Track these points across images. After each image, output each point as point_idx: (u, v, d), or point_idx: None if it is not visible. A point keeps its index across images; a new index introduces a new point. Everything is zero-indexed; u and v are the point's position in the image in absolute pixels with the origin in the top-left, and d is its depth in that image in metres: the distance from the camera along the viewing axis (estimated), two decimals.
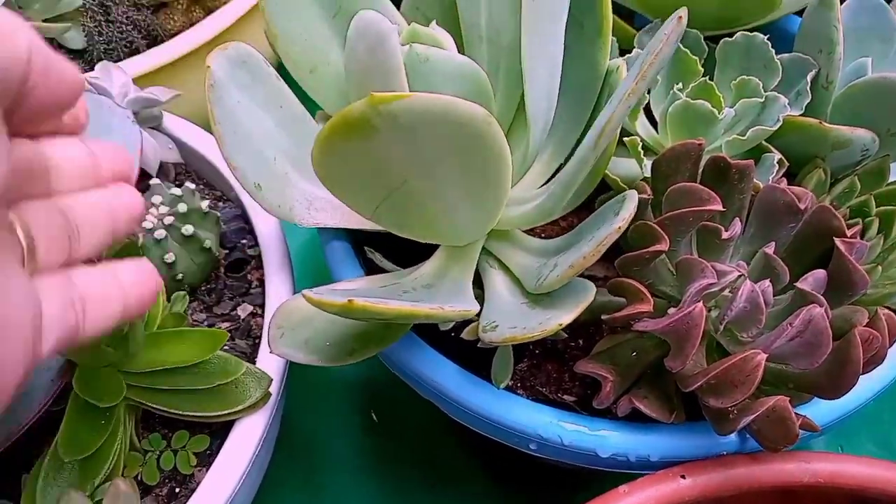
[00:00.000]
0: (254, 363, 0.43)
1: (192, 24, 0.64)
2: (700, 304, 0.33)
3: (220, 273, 0.50)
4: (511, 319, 0.36)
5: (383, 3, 0.42)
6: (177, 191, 0.46)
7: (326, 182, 0.33)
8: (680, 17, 0.31)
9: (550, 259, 0.38)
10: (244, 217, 0.52)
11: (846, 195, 0.43)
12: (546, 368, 0.43)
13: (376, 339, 0.38)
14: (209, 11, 0.65)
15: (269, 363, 0.43)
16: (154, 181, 0.47)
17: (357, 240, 0.45)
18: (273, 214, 0.40)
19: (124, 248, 0.38)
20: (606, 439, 0.38)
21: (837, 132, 0.43)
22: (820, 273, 0.35)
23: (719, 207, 0.35)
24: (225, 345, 0.43)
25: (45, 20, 0.60)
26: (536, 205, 0.39)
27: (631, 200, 0.34)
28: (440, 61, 0.35)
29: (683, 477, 0.37)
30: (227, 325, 0.47)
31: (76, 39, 0.61)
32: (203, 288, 0.49)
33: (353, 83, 0.36)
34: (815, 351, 0.33)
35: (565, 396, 0.42)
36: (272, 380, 0.42)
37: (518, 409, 0.39)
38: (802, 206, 0.37)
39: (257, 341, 0.46)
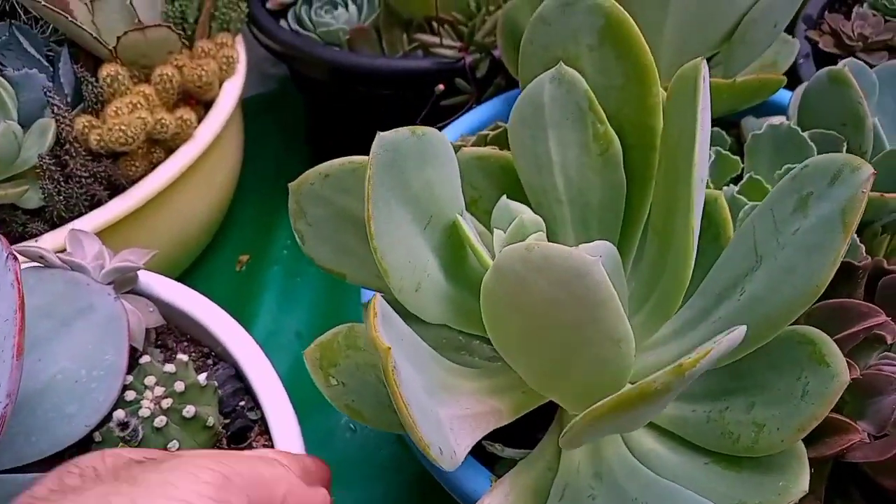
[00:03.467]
0: None
1: (154, 167, 0.60)
2: None
3: (224, 445, 0.45)
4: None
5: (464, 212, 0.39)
6: (170, 367, 0.43)
7: None
8: None
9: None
10: (238, 375, 0.48)
11: None
12: None
13: None
14: (170, 151, 0.61)
15: None
16: (144, 359, 0.43)
17: None
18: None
19: None
20: None
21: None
22: None
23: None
24: None
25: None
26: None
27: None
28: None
29: None
30: None
31: (33, 199, 0.56)
32: None
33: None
34: None
35: None
36: None
37: None
38: None
39: None
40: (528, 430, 0.40)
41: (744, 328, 0.27)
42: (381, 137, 0.33)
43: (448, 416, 0.36)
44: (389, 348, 0.28)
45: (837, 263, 0.29)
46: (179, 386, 0.42)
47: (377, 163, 0.33)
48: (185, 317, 0.49)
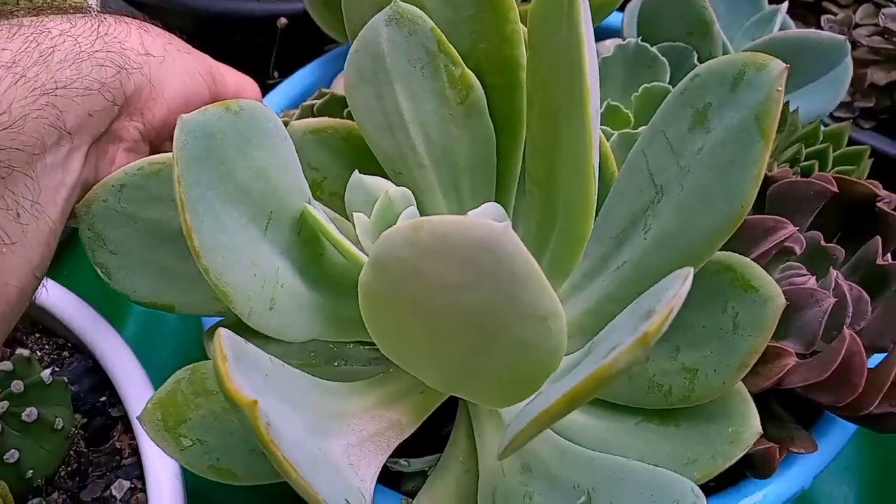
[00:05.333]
0: None
1: None
2: (853, 335, 0.30)
3: (81, 447, 0.42)
4: None
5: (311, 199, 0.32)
6: (6, 365, 0.39)
7: None
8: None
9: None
10: (96, 369, 0.44)
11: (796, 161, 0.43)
12: None
13: None
14: None
15: None
16: None
17: None
18: None
19: None
20: None
21: None
22: (877, 241, 0.33)
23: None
24: None
25: None
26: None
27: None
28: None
29: None
30: None
31: None
32: (62, 473, 0.41)
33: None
34: None
35: None
36: None
37: None
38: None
39: None
40: (428, 427, 0.35)
41: (690, 270, 0.22)
42: (185, 122, 0.25)
43: (343, 450, 0.30)
44: (255, 401, 0.21)
45: (761, 177, 0.26)
46: (17, 386, 0.38)
47: (185, 157, 0.25)
48: (34, 305, 0.43)
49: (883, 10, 0.52)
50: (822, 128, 0.43)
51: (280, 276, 0.29)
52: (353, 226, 0.31)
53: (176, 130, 0.25)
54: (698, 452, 0.29)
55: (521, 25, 0.32)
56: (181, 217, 0.25)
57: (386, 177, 0.34)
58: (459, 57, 0.32)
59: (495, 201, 0.35)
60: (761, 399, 0.32)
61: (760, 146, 0.25)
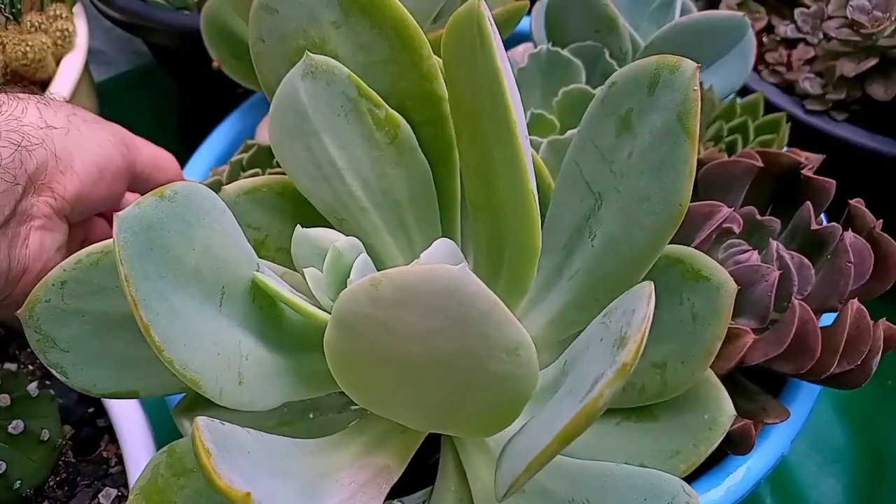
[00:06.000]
0: None
1: None
2: (802, 304, 0.31)
3: (70, 458, 0.43)
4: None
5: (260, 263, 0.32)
6: None
7: None
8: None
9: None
10: None
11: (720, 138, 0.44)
12: None
13: None
14: None
15: None
16: None
17: None
18: None
19: None
20: None
21: None
22: (808, 207, 0.35)
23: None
24: None
25: None
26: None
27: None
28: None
29: None
30: None
31: None
32: (51, 482, 0.42)
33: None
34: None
35: None
36: None
37: None
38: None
39: None
40: (412, 461, 0.35)
41: (651, 286, 0.23)
42: (122, 219, 0.25)
43: None
44: (248, 493, 0.20)
45: (693, 174, 0.27)
46: (4, 399, 0.39)
47: (129, 254, 0.25)
48: None
49: (851, 3, 0.53)
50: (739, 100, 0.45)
51: (243, 349, 0.29)
52: (305, 280, 0.31)
53: (115, 228, 0.24)
54: (680, 443, 0.30)
55: (437, 58, 0.32)
56: (136, 315, 0.24)
57: (329, 225, 0.33)
58: (381, 99, 0.32)
59: (442, 232, 0.35)
60: (728, 377, 0.33)
61: (687, 145, 0.26)
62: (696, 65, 0.26)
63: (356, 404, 0.37)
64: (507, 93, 0.25)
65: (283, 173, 0.35)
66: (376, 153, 0.33)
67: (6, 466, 0.38)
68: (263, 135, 0.50)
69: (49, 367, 0.32)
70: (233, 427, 0.26)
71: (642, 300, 0.22)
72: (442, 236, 0.33)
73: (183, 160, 0.43)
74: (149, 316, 0.24)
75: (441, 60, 0.31)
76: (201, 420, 0.23)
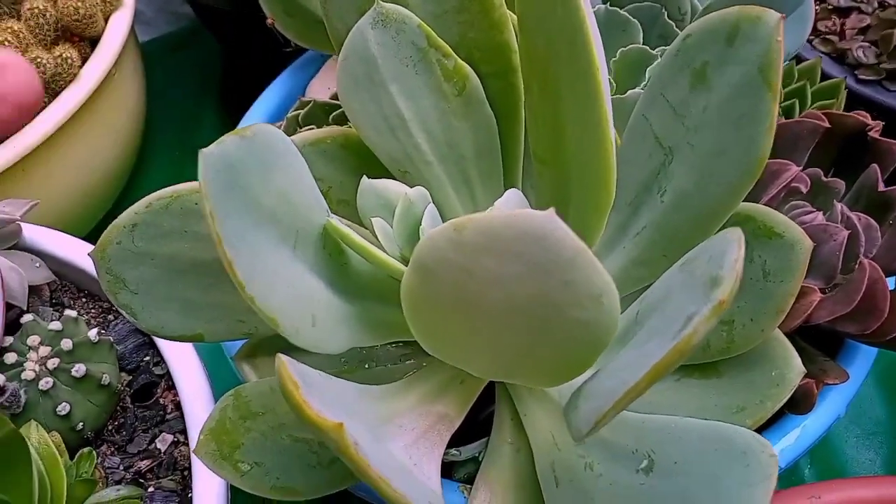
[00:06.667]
0: (188, 501, 0.37)
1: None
2: (872, 263, 0.31)
3: (127, 403, 0.44)
4: None
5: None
6: (56, 325, 0.41)
7: None
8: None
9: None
10: (140, 330, 0.45)
11: None
12: None
13: None
14: (55, 95, 0.55)
15: (207, 497, 0.37)
16: (27, 318, 0.41)
17: None
18: None
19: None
20: None
21: None
22: (874, 168, 0.34)
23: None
24: (150, 485, 0.40)
25: None
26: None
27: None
28: None
29: None
30: (146, 462, 0.41)
31: None
32: (110, 427, 0.43)
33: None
34: None
35: None
36: None
37: None
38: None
39: (186, 474, 0.40)
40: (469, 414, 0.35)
41: (740, 232, 0.23)
42: (206, 155, 0.25)
43: (403, 450, 0.30)
44: (341, 425, 0.21)
45: (773, 128, 0.26)
46: (67, 344, 0.40)
47: (213, 191, 0.25)
48: (80, 272, 0.47)
49: None
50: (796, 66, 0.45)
51: (316, 293, 0.29)
52: (371, 231, 0.31)
53: (200, 165, 0.24)
54: (745, 399, 0.30)
55: (507, 11, 0.32)
56: (219, 251, 0.24)
57: (391, 177, 0.34)
58: (450, 49, 0.32)
59: (504, 187, 0.35)
60: (787, 338, 0.33)
61: (769, 98, 0.26)
62: (780, 15, 0.26)
63: (411, 355, 0.38)
64: (592, 39, 0.25)
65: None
66: (443, 105, 0.33)
67: (70, 408, 0.39)
68: (316, 91, 0.50)
69: (119, 308, 0.32)
70: (309, 369, 0.27)
71: (732, 244, 0.22)
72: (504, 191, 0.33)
73: (225, 122, 0.42)
74: (231, 253, 0.24)
75: (512, 13, 0.31)
76: (286, 357, 0.24)
